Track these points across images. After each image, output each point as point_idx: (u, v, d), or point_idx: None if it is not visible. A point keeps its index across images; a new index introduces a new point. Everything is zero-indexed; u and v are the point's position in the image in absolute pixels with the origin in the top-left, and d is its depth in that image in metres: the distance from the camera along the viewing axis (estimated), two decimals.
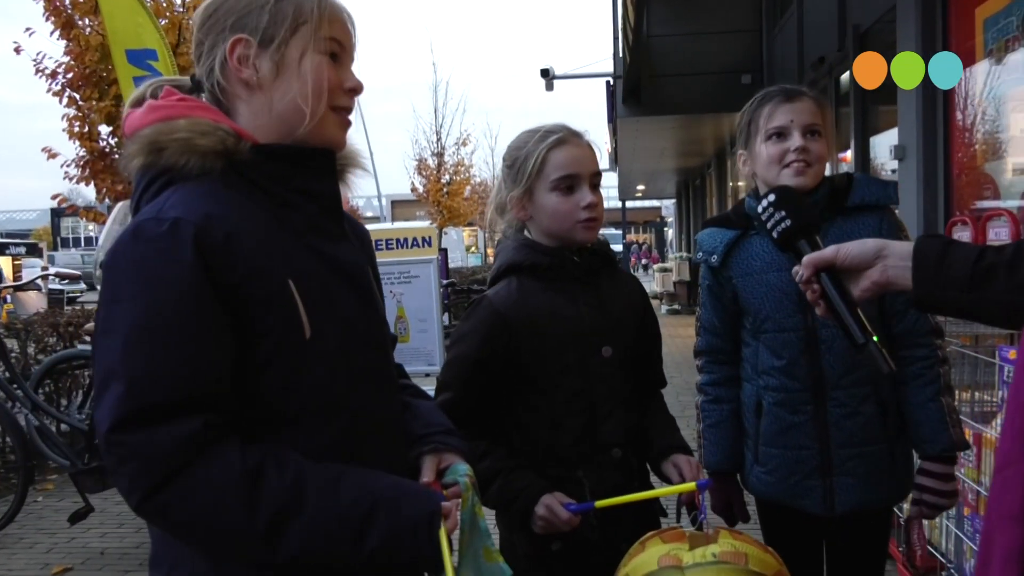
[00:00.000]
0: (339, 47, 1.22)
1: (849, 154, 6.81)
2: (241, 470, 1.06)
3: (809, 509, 1.96)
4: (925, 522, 2.95)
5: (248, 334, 1.12)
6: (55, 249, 42.82)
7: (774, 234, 1.42)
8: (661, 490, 1.58)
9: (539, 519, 1.62)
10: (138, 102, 1.23)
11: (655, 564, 1.34)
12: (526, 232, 1.82)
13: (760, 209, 1.44)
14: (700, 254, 2.07)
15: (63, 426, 4.96)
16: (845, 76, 6.94)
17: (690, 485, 1.54)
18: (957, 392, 2.81)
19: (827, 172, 1.98)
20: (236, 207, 1.15)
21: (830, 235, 1.91)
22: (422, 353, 7.14)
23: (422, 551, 1.13)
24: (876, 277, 1.23)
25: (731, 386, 2.08)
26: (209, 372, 1.08)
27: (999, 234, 3.66)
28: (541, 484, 1.65)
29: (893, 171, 5.58)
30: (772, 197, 1.43)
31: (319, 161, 1.24)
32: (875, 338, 1.27)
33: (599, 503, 1.58)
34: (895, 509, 2.05)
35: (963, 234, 3.91)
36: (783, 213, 1.40)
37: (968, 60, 4.52)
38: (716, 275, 2.04)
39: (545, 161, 1.71)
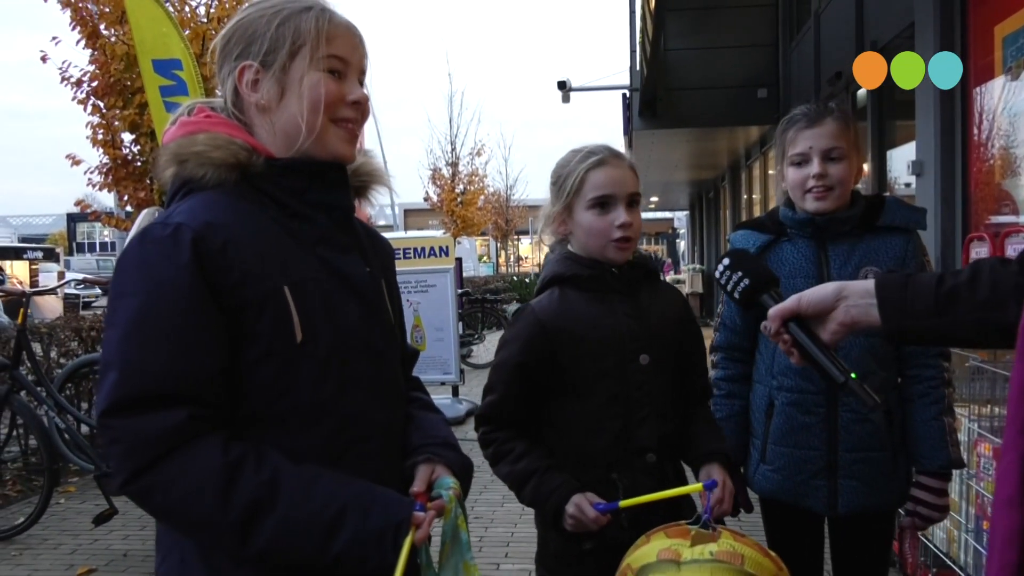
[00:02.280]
0: (340, 63, 1.28)
1: (866, 168, 6.83)
2: (221, 463, 1.13)
3: (813, 508, 2.04)
4: (943, 535, 2.98)
5: (241, 335, 1.19)
6: (71, 254, 43.13)
7: (735, 295, 1.45)
8: (671, 491, 1.64)
9: (569, 517, 1.69)
10: (175, 121, 1.32)
11: (654, 557, 1.40)
12: (569, 247, 1.90)
13: (717, 275, 1.49)
14: None
15: (83, 428, 5.04)
16: (862, 91, 6.96)
17: (697, 486, 1.60)
18: (976, 407, 2.84)
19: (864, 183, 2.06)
20: (242, 216, 1.22)
21: (858, 251, 2.00)
22: (438, 362, 7.18)
23: (387, 559, 1.16)
24: (841, 318, 1.26)
25: (743, 383, 2.17)
26: (197, 368, 1.15)
27: (1017, 250, 3.68)
28: (573, 484, 1.72)
29: (908, 184, 5.60)
30: (727, 261, 1.49)
31: (332, 175, 1.31)
32: (853, 375, 1.30)
33: (623, 503, 1.64)
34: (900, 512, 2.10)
35: (981, 250, 3.93)
36: (740, 274, 1.45)
37: (986, 76, 4.55)
38: None
39: (584, 180, 1.80)
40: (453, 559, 1.30)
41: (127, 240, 1.77)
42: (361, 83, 1.33)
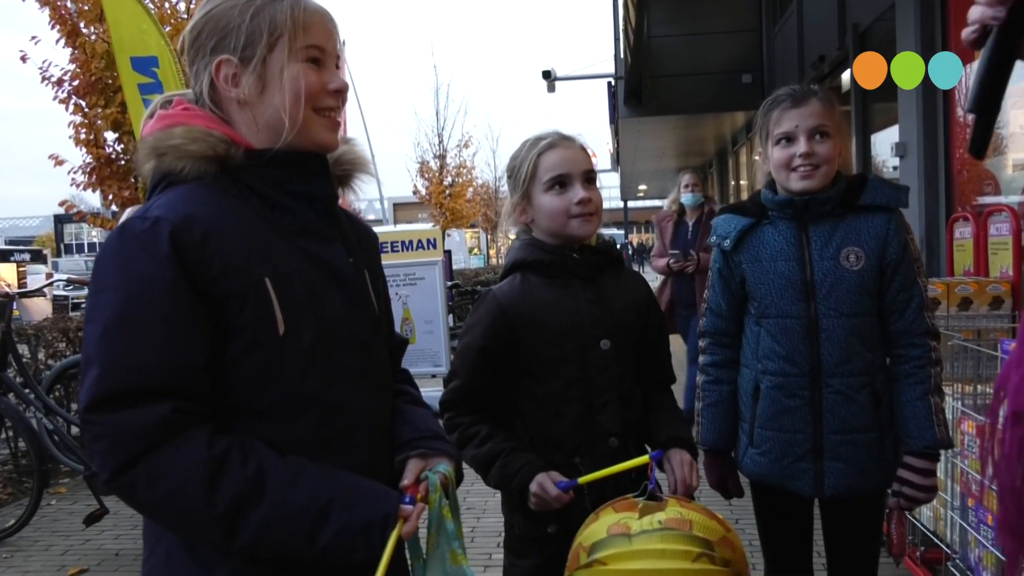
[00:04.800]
0: (319, 51, 1.27)
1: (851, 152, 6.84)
2: (206, 457, 1.12)
3: (800, 491, 2.05)
4: (929, 513, 3.00)
5: (225, 328, 1.18)
6: (59, 255, 42.84)
7: None
8: (622, 464, 1.65)
9: (533, 496, 1.71)
10: (152, 114, 1.31)
11: (605, 532, 1.41)
12: (534, 234, 1.91)
13: None
14: (714, 238, 2.15)
15: (72, 429, 5.02)
16: (846, 75, 6.98)
17: (644, 458, 1.60)
18: (960, 385, 2.86)
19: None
20: (222, 209, 1.21)
21: (840, 231, 2.00)
22: (428, 354, 7.17)
23: (374, 552, 1.16)
24: None
25: (731, 368, 2.17)
26: (180, 361, 1.14)
27: (1000, 230, 3.70)
28: (537, 464, 1.74)
29: (895, 168, 5.62)
30: None
31: (313, 165, 1.30)
32: (984, 113, 1.03)
33: (582, 479, 1.66)
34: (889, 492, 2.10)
35: (965, 230, 3.95)
36: None
37: (968, 57, 4.55)
38: (727, 259, 2.13)
39: (537, 165, 1.83)
40: (440, 548, 1.30)
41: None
42: (337, 68, 1.32)
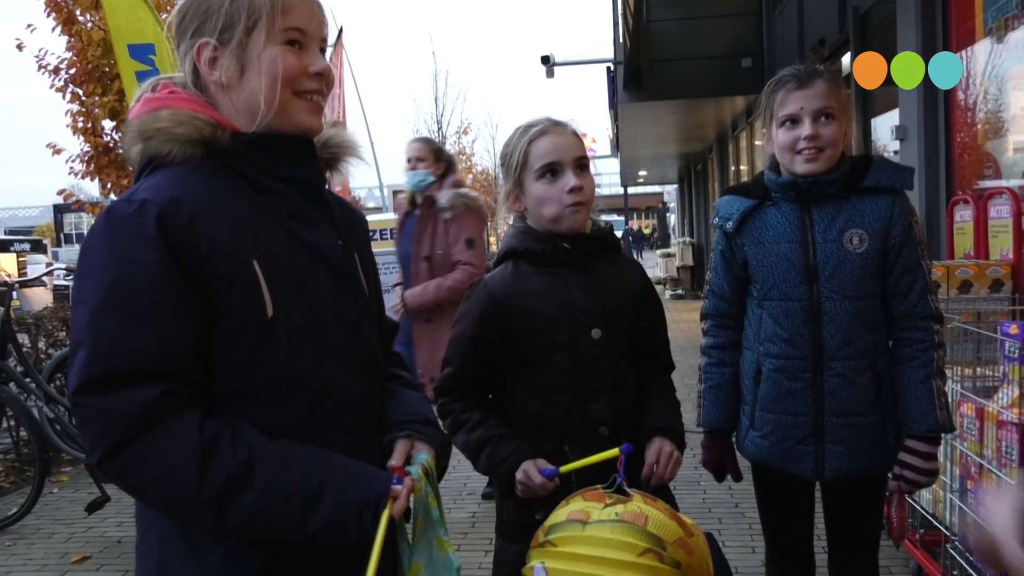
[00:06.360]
0: (299, 34, 1.26)
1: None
2: (197, 441, 1.12)
3: (801, 474, 2.05)
4: (928, 495, 3.00)
5: (213, 311, 1.18)
6: (59, 245, 42.83)
7: None
8: (597, 456, 1.63)
9: (519, 484, 1.72)
10: (139, 98, 1.30)
11: (564, 518, 1.42)
12: (528, 221, 1.90)
13: None
14: (716, 219, 2.14)
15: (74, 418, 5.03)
16: (846, 58, 6.94)
17: (614, 451, 1.58)
18: (960, 368, 2.86)
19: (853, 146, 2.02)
20: (209, 192, 1.21)
21: (843, 213, 1.98)
22: None
23: (367, 532, 1.17)
24: None
25: (734, 350, 2.17)
26: (169, 343, 1.14)
27: (1000, 212, 3.70)
28: (525, 451, 1.74)
29: (895, 152, 5.60)
30: None
31: (299, 149, 1.30)
32: None
33: (563, 468, 1.66)
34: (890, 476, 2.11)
35: (965, 212, 3.94)
36: None
37: (968, 39, 4.53)
38: (730, 241, 2.12)
39: (528, 153, 1.81)
40: (426, 536, 1.31)
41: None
42: (322, 51, 1.31)
